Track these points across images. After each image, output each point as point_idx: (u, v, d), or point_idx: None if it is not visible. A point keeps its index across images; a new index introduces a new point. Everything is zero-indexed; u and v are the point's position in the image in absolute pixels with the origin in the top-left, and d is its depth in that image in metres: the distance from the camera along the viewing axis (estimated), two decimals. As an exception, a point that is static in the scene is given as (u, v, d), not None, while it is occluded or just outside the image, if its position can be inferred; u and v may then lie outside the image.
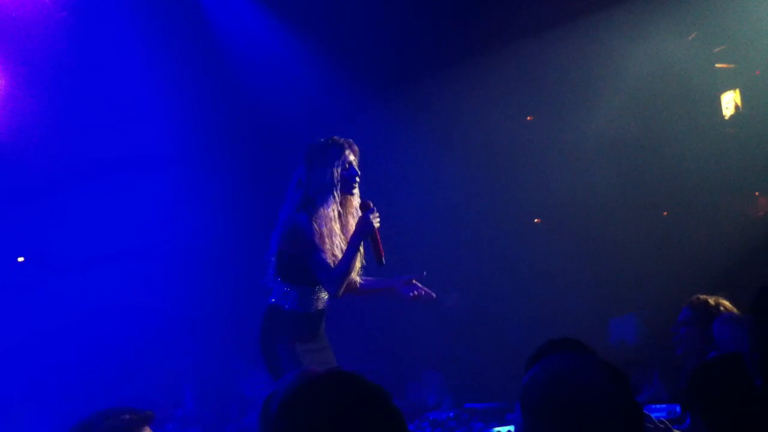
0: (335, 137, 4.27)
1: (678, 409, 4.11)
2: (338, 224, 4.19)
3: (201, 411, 6.79)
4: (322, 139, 4.27)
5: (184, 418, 6.70)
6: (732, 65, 7.27)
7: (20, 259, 7.34)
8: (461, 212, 7.46)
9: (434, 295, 4.35)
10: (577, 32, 7.06)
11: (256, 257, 4.46)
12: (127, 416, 2.29)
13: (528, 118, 7.68)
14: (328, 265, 4.09)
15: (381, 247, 4.15)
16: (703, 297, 3.97)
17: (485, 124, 7.43)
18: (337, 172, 4.16)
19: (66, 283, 7.10)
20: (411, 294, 4.29)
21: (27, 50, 6.79)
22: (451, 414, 5.15)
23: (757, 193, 7.14)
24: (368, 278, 4.36)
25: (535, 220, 7.69)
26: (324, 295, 4.23)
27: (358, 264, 4.17)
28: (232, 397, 6.78)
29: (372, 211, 4.15)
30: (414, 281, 4.31)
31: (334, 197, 4.15)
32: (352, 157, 4.23)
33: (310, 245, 4.07)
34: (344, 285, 4.12)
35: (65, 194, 7.26)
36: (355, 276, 4.22)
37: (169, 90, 7.24)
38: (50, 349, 6.88)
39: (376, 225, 4.14)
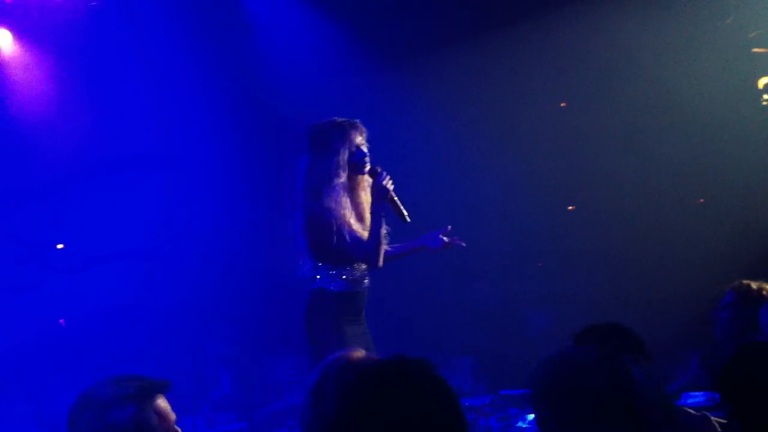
0: (337, 120, 4.26)
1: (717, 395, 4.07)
2: (351, 209, 4.22)
3: (237, 395, 6.86)
4: (324, 122, 4.28)
5: (220, 401, 6.78)
6: (769, 50, 7.16)
7: (60, 246, 7.42)
8: (491, 197, 7.44)
9: (464, 243, 4.41)
10: (613, 13, 6.99)
11: (282, 247, 4.52)
12: (137, 383, 2.09)
13: (561, 104, 7.62)
14: (360, 240, 4.15)
15: (401, 206, 4.23)
16: (746, 282, 3.96)
17: (515, 106, 7.38)
18: (343, 159, 4.18)
19: (71, 282, 7.17)
20: (441, 245, 4.39)
21: (35, 46, 6.84)
22: (486, 400, 5.18)
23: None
24: (395, 244, 4.42)
25: (569, 208, 7.65)
26: (365, 272, 4.28)
27: (383, 230, 4.23)
28: (266, 381, 6.85)
29: (382, 176, 4.21)
30: (441, 235, 4.40)
31: (342, 185, 4.18)
32: (358, 139, 4.24)
33: (336, 229, 4.14)
34: (382, 255, 4.18)
35: (67, 194, 7.32)
36: (385, 242, 4.28)
37: (169, 89, 7.26)
38: (58, 345, 6.96)
39: (390, 187, 4.20)
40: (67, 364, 6.87)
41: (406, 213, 4.26)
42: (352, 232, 4.16)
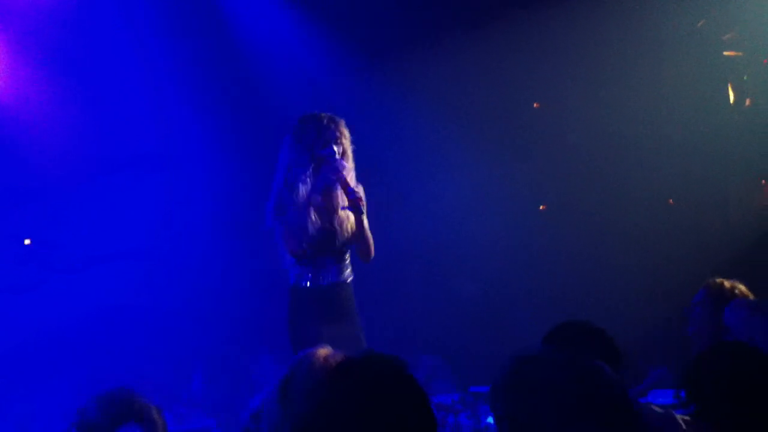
0: (313, 113, 4.24)
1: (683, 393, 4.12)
2: (322, 205, 4.20)
3: (209, 393, 6.83)
4: (305, 116, 4.29)
5: (192, 399, 6.74)
6: (740, 53, 7.25)
7: (27, 242, 7.36)
8: (474, 196, 7.47)
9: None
10: (586, 17, 7.04)
11: (260, 245, 4.51)
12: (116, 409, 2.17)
13: (534, 105, 7.67)
14: (293, 229, 4.11)
15: (347, 191, 4.11)
16: (719, 279, 4.03)
17: (502, 106, 7.41)
18: (312, 153, 4.16)
19: (71, 282, 7.13)
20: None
21: (33, 45, 6.77)
22: (456, 397, 5.20)
23: (764, 181, 7.14)
24: None
25: (540, 207, 7.70)
26: (342, 267, 4.24)
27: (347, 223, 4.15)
28: (240, 379, 6.82)
29: (332, 154, 4.11)
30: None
31: (309, 179, 4.16)
32: (335, 134, 4.21)
33: (303, 222, 4.15)
34: (296, 242, 4.11)
35: (67, 194, 7.27)
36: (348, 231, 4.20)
37: (168, 89, 7.22)
38: (57, 345, 6.91)
39: (343, 171, 4.09)
40: (67, 364, 6.82)
41: (363, 205, 4.18)
42: (317, 225, 4.15)
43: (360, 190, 4.26)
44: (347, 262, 4.32)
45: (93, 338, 6.86)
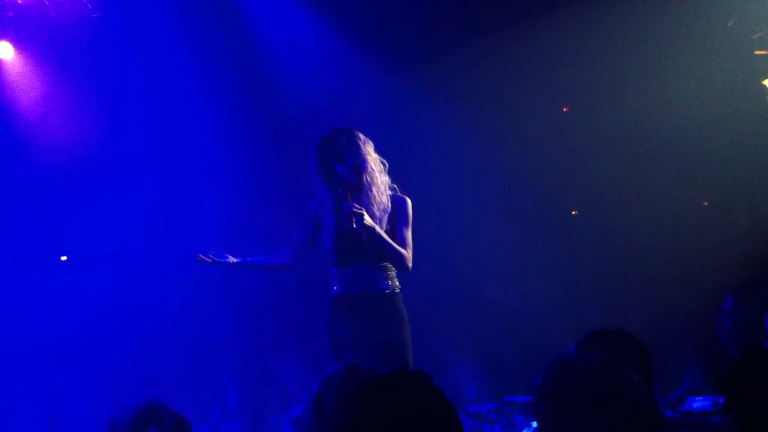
0: (321, 137, 4.25)
1: (722, 400, 4.07)
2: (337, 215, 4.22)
3: (242, 404, 6.86)
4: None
5: (226, 411, 6.77)
6: (771, 52, 7.15)
7: (63, 258, 7.44)
8: (501, 201, 7.44)
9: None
10: (616, 15, 6.99)
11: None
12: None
13: (564, 109, 7.62)
14: (333, 241, 4.25)
15: (342, 207, 4.12)
16: (745, 284, 3.94)
17: (522, 110, 7.38)
18: (322, 176, 4.23)
19: (71, 282, 7.18)
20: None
21: (34, 46, 6.83)
22: (491, 407, 5.16)
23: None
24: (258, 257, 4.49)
25: (573, 212, 7.65)
26: (378, 276, 4.22)
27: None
28: (272, 389, 6.84)
29: (338, 174, 4.15)
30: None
31: (323, 190, 4.26)
32: (324, 156, 4.20)
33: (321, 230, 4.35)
34: (401, 256, 4.18)
35: (68, 194, 7.33)
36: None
37: (168, 90, 7.25)
38: (58, 345, 6.97)
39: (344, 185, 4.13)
40: (66, 363, 6.87)
41: (354, 217, 4.10)
42: (339, 236, 4.17)
43: (378, 203, 4.18)
44: (388, 273, 4.25)
45: (93, 338, 6.90)
